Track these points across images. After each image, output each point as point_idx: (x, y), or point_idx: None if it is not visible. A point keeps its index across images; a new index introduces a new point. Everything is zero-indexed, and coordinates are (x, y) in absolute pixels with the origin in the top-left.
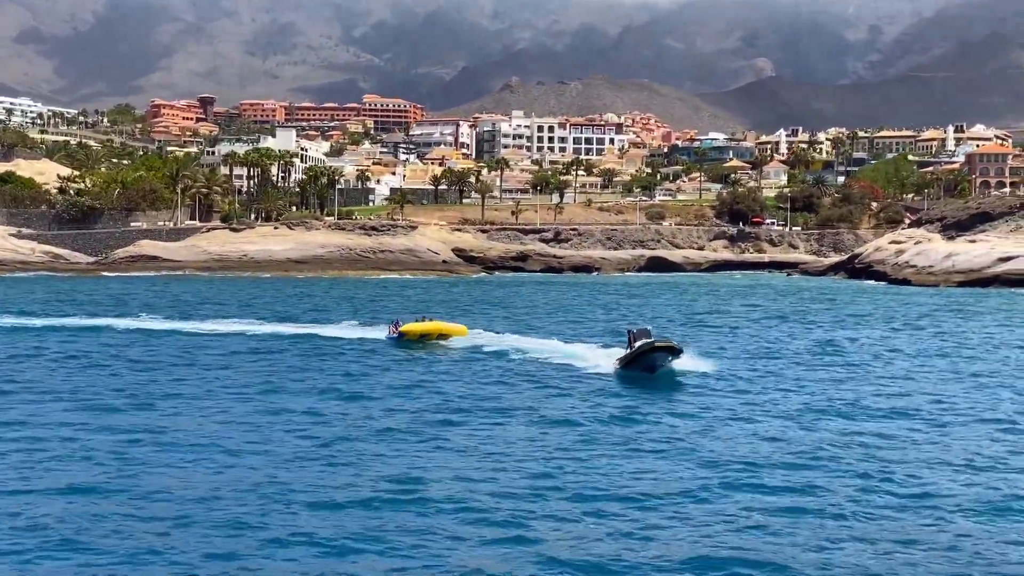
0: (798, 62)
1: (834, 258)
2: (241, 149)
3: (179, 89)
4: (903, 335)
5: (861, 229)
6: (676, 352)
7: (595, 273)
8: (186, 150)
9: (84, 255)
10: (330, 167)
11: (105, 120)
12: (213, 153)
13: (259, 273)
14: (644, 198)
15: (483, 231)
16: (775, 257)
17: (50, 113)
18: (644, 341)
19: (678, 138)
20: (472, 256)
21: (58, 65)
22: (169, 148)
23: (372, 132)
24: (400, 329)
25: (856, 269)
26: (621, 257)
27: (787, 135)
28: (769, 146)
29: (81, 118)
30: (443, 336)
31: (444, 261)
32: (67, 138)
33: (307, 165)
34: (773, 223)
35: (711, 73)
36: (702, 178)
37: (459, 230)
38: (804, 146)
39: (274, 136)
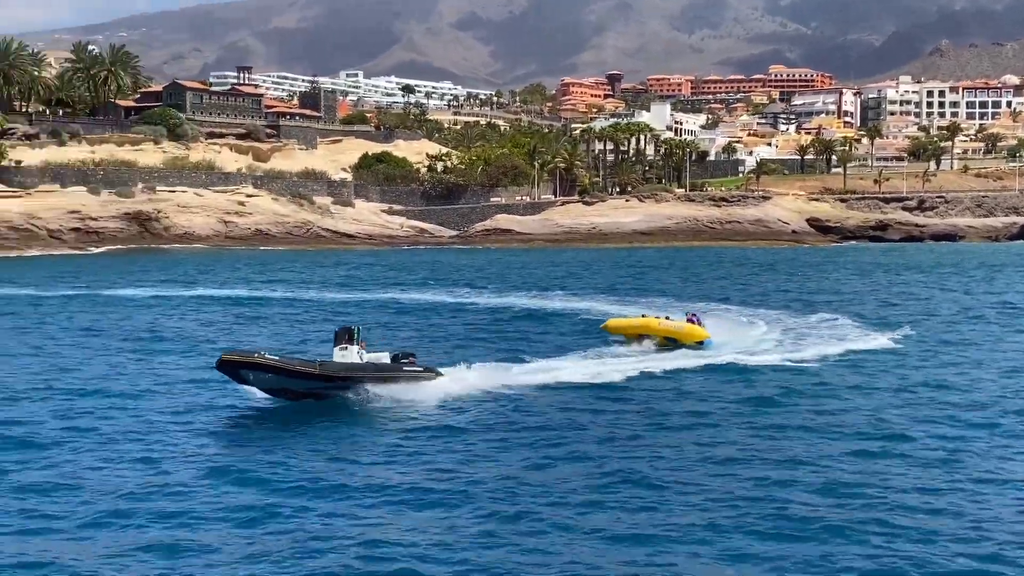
0: None
1: None
2: (601, 125)
3: (607, 67)
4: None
5: None
6: (294, 375)
7: (959, 241)
8: (586, 126)
9: (447, 229)
10: (687, 140)
11: (517, 100)
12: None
13: (604, 244)
14: None
15: (842, 200)
16: None
17: (465, 95)
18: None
19: None
20: (828, 226)
21: (494, 48)
22: (573, 125)
23: (777, 103)
24: (603, 326)
25: None
26: (990, 225)
27: None
28: None
29: (495, 99)
30: (671, 340)
31: (794, 231)
32: (478, 119)
33: (665, 138)
34: None
35: None
36: None
37: (817, 200)
38: None
39: (648, 111)
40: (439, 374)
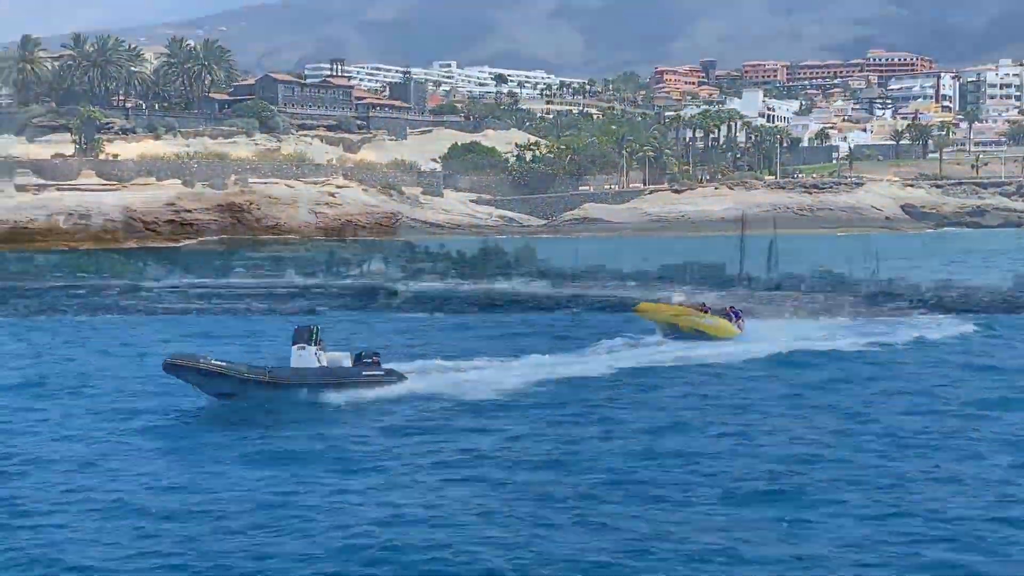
0: None
1: None
2: (691, 112)
3: (703, 54)
4: None
5: None
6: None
7: None
8: (676, 113)
9: (535, 219)
10: (777, 127)
11: (610, 89)
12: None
13: (693, 233)
14: None
15: (937, 186)
16: None
17: (558, 84)
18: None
19: None
20: (923, 212)
21: (589, 38)
22: (667, 113)
23: (874, 87)
24: (634, 308)
25: None
26: None
27: None
28: None
29: (587, 87)
30: (700, 333)
31: (887, 218)
32: (570, 108)
33: (755, 125)
34: None
35: None
36: None
37: (911, 186)
38: None
39: (740, 97)
40: (402, 377)
